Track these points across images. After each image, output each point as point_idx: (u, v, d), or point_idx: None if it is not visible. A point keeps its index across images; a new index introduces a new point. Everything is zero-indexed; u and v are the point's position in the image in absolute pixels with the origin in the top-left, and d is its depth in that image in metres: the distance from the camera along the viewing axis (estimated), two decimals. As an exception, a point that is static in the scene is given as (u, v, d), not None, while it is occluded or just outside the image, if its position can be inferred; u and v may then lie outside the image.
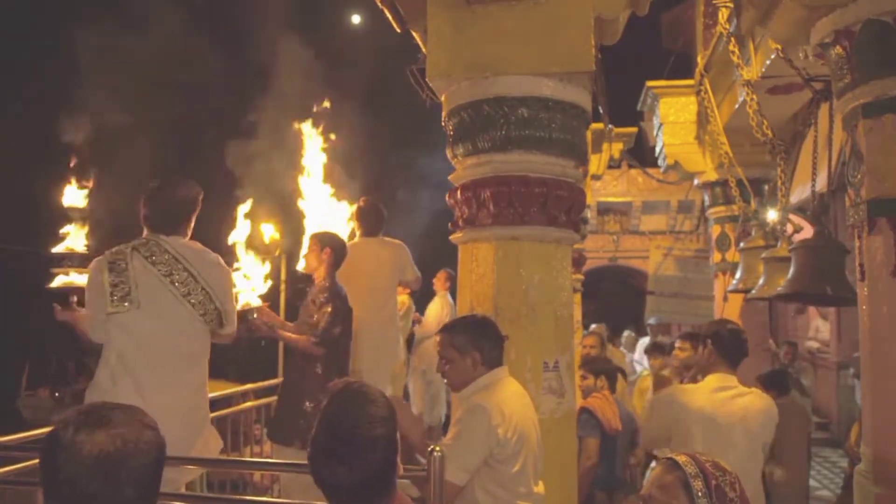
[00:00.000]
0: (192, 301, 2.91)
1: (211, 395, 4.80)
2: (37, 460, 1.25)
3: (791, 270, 3.90)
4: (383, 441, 1.53)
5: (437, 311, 7.22)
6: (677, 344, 5.85)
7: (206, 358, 3.04)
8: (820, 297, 4.16)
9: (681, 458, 1.52)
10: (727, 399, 2.96)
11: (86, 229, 3.47)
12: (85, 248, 3.41)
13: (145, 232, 3.05)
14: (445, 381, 2.60)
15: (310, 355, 3.80)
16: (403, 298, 6.31)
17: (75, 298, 3.13)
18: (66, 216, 3.45)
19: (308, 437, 1.57)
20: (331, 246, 3.98)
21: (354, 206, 4.73)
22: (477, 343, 2.49)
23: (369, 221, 4.67)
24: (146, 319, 2.85)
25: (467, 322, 2.60)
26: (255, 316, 3.62)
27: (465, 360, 2.49)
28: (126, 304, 2.81)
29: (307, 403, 3.76)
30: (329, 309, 3.82)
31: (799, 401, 5.78)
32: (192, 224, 3.11)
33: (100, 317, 2.86)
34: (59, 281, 3.22)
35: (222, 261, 3.12)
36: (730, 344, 3.06)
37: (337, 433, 1.51)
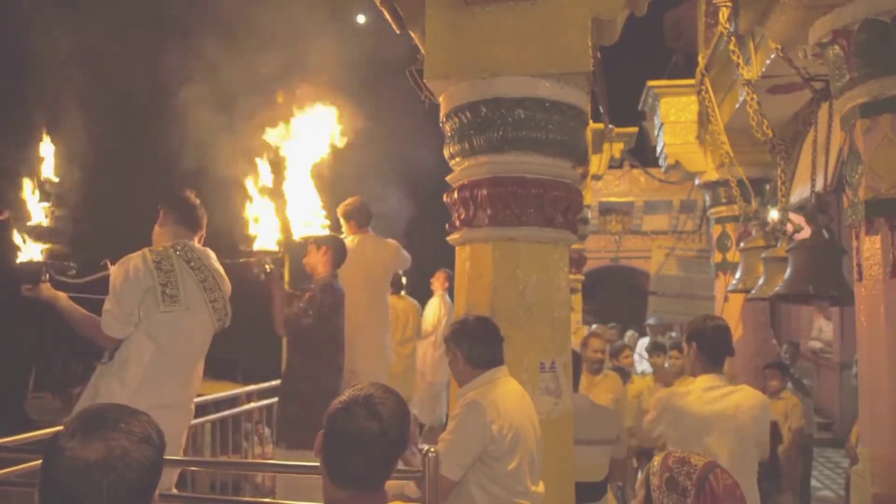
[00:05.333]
0: (216, 306, 3.09)
1: (216, 395, 4.86)
2: (39, 461, 1.24)
3: (788, 270, 3.90)
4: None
5: (435, 311, 7.20)
6: (671, 353, 5.86)
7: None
8: (816, 297, 4.15)
9: (655, 459, 1.67)
10: (717, 398, 2.95)
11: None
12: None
13: (168, 238, 3.10)
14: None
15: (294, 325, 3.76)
16: (408, 303, 6.30)
17: (47, 276, 3.04)
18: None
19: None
20: (328, 244, 3.98)
21: (342, 206, 4.79)
22: (458, 342, 2.60)
23: (360, 217, 4.77)
24: (191, 321, 3.01)
25: (455, 322, 2.71)
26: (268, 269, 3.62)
27: (456, 357, 2.61)
28: (176, 305, 2.94)
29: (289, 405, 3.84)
30: (307, 297, 3.79)
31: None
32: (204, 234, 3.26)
33: (132, 313, 2.89)
34: (24, 256, 3.11)
35: None
36: (714, 343, 3.04)
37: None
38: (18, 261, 3.10)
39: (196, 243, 3.17)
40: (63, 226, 3.26)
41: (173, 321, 2.94)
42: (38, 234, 3.17)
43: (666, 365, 6.31)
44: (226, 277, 3.23)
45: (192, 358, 3.08)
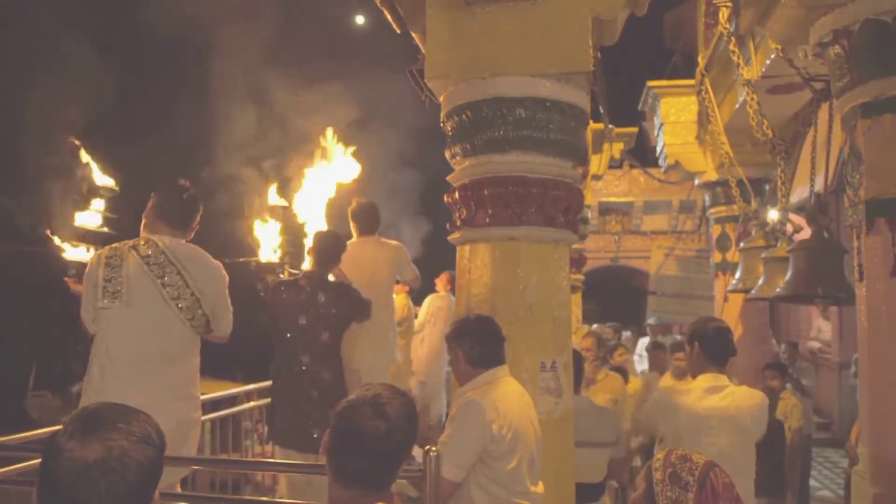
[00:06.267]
0: (181, 305, 2.95)
1: (215, 394, 4.85)
2: (38, 460, 1.23)
3: (789, 271, 3.90)
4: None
5: (423, 310, 7.12)
6: (677, 356, 5.86)
7: (190, 359, 3.06)
8: (818, 297, 4.15)
9: (657, 455, 1.71)
10: (719, 398, 2.98)
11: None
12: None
13: (146, 231, 3.09)
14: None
15: None
16: (402, 299, 6.27)
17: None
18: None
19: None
20: (312, 243, 4.00)
21: (349, 207, 4.70)
22: (459, 341, 2.60)
23: (364, 221, 4.66)
24: (134, 317, 2.91)
25: (457, 321, 2.70)
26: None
27: (457, 357, 2.61)
28: (116, 300, 2.89)
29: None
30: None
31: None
32: (195, 228, 3.17)
33: (90, 309, 2.95)
34: (73, 255, 3.32)
35: (221, 269, 3.14)
36: (716, 343, 3.08)
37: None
38: (69, 257, 3.32)
39: (172, 239, 3.03)
40: (115, 230, 3.46)
41: (111, 317, 2.89)
42: (87, 236, 3.33)
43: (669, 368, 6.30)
44: (210, 276, 3.05)
45: (151, 357, 2.90)
